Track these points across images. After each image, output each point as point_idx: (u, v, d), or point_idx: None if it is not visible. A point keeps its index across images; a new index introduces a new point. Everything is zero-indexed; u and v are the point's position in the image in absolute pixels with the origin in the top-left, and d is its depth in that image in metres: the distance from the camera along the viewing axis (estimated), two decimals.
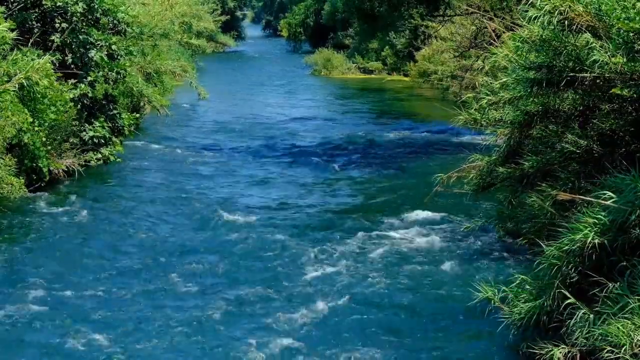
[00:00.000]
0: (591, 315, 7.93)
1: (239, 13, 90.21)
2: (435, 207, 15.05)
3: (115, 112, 20.37)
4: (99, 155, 19.46)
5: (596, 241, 8.06)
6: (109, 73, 19.32)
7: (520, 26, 10.92)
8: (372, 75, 47.40)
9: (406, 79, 43.40)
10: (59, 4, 18.29)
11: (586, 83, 9.62)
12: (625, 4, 8.72)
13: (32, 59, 15.68)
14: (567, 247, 8.28)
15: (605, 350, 7.37)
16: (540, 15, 9.04)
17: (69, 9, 18.37)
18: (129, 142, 22.28)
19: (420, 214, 14.98)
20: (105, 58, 18.99)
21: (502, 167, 11.78)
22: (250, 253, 13.07)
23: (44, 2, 18.27)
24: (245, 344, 9.54)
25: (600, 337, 7.52)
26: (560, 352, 8.03)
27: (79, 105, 18.52)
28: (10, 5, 17.94)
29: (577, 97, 10.49)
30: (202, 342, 9.67)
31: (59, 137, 17.62)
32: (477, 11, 20.17)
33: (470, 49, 23.72)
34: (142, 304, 10.89)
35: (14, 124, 14.79)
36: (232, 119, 29.68)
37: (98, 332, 9.83)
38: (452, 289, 11.40)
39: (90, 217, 15.17)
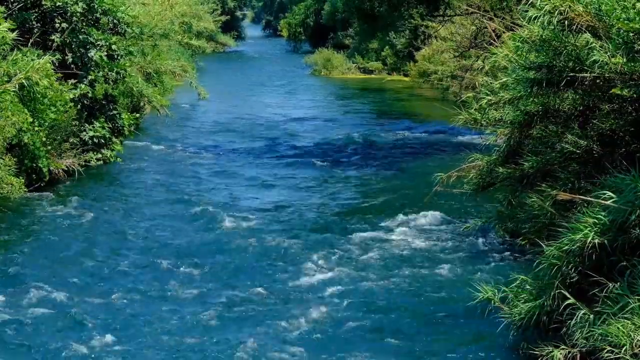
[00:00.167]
0: (591, 316, 7.93)
1: (239, 13, 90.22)
2: (435, 207, 15.04)
3: (115, 112, 20.36)
4: (99, 156, 19.46)
5: (596, 241, 8.06)
6: (109, 73, 19.31)
7: (520, 26, 10.92)
8: (372, 75, 47.40)
9: (406, 79, 43.38)
10: (58, 4, 18.29)
11: (586, 83, 9.62)
12: (625, 4, 8.72)
13: (32, 59, 15.68)
14: (567, 247, 8.28)
15: (605, 351, 7.37)
16: (540, 15, 9.04)
17: (68, 9, 18.37)
18: (129, 142, 22.27)
19: (420, 214, 14.97)
20: (105, 58, 18.98)
21: (502, 167, 11.78)
22: (249, 254, 13.06)
23: (43, 2, 18.27)
24: (245, 346, 9.52)
25: (600, 338, 7.52)
26: (561, 353, 8.03)
27: (79, 105, 18.51)
28: (10, 5, 17.93)
29: (577, 97, 10.50)
30: (201, 344, 9.66)
31: (59, 137, 17.62)
32: (477, 11, 20.16)
33: (470, 49, 23.71)
34: (141, 305, 10.88)
35: (14, 124, 14.79)
36: (232, 119, 29.68)
37: (97, 333, 9.82)
38: (452, 289, 11.39)
39: (90, 217, 15.17)
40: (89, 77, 18.86)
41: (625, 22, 8.57)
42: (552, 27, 9.23)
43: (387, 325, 10.21)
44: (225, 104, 33.88)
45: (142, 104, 25.46)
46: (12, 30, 15.16)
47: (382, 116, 31.50)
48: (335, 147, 23.84)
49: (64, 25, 18.45)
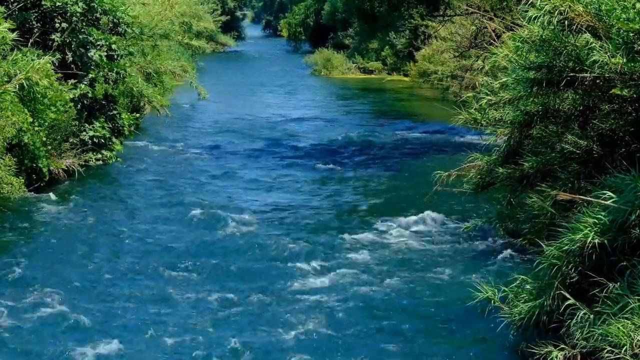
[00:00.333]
0: (591, 316, 7.93)
1: (239, 13, 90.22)
2: (435, 207, 15.04)
3: (115, 112, 20.36)
4: (99, 156, 19.46)
5: (596, 241, 8.06)
6: (109, 73, 19.31)
7: (520, 26, 10.92)
8: (372, 75, 47.40)
9: (406, 79, 43.39)
10: (58, 4, 18.29)
11: (586, 83, 9.62)
12: (625, 4, 8.72)
13: (32, 59, 15.68)
14: (567, 247, 8.28)
15: (605, 351, 7.37)
16: (540, 15, 9.05)
17: (68, 9, 18.37)
18: (129, 142, 22.27)
19: (420, 214, 14.96)
20: (105, 58, 18.98)
21: (502, 167, 11.78)
22: (249, 256, 13.04)
23: (43, 2, 18.27)
24: (244, 348, 9.52)
25: (600, 338, 7.51)
26: (560, 353, 8.03)
27: (79, 105, 18.51)
28: (10, 5, 17.94)
29: (577, 97, 10.50)
30: (200, 346, 9.65)
31: (59, 137, 17.62)
32: (477, 11, 20.16)
33: (470, 49, 23.71)
34: (140, 306, 10.87)
35: (14, 124, 14.79)
36: (232, 119, 29.68)
37: (95, 334, 9.82)
38: (452, 289, 11.39)
39: (89, 217, 15.16)
40: (89, 76, 18.85)
41: (625, 22, 8.57)
42: (552, 27, 9.23)
43: (386, 325, 10.21)
44: (225, 104, 33.88)
45: (142, 104, 25.46)
46: (12, 31, 15.16)
47: (382, 116, 31.50)
48: (335, 147, 23.84)
49: (64, 25, 18.45)
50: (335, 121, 29.74)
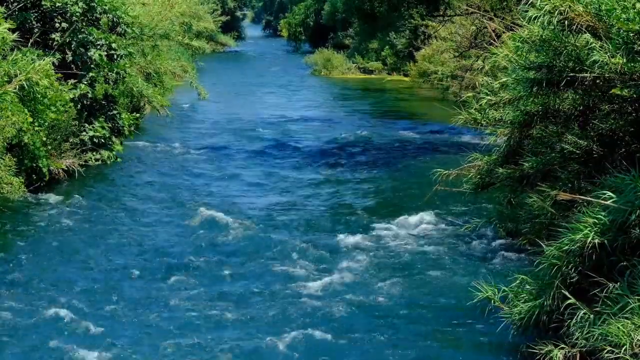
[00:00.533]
0: (591, 316, 7.93)
1: (239, 13, 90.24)
2: (435, 207, 15.05)
3: (115, 112, 20.36)
4: (99, 156, 19.46)
5: (596, 241, 8.07)
6: (109, 73, 19.32)
7: (520, 26, 10.92)
8: (372, 75, 47.40)
9: (406, 79, 43.39)
10: (58, 4, 18.30)
11: (586, 83, 9.62)
12: (625, 4, 8.72)
13: (32, 59, 15.68)
14: (567, 247, 8.29)
15: (605, 350, 7.38)
16: (540, 15, 9.04)
17: (68, 9, 18.38)
18: (129, 142, 22.27)
19: (420, 214, 14.96)
20: (105, 58, 18.97)
21: (502, 167, 11.78)
22: (249, 255, 13.05)
23: (43, 2, 18.27)
24: (243, 349, 9.53)
25: (600, 337, 7.52)
26: (560, 352, 8.04)
27: (79, 106, 18.51)
28: (10, 5, 17.94)
29: (577, 97, 10.50)
30: (199, 347, 9.65)
31: (59, 137, 17.62)
32: (477, 11, 20.17)
33: (470, 49, 23.71)
34: (140, 306, 10.87)
35: (14, 124, 14.79)
36: (231, 119, 29.68)
37: (95, 334, 9.82)
38: (452, 288, 11.39)
39: (89, 217, 15.17)
40: (89, 75, 18.85)
41: (625, 22, 8.57)
42: (552, 27, 9.22)
43: (386, 326, 10.21)
44: (225, 104, 33.89)
45: (142, 104, 25.46)
46: (13, 31, 15.15)
47: (382, 116, 31.50)
48: (335, 147, 23.84)
49: (64, 25, 18.45)
50: (335, 121, 29.74)
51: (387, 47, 46.73)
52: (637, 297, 7.60)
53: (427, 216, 14.87)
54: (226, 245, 13.59)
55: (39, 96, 15.82)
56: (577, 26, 9.02)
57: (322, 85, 44.55)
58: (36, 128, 15.95)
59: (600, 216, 8.14)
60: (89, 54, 18.81)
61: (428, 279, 11.84)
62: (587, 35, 8.99)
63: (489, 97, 11.60)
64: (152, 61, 26.53)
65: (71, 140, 18.40)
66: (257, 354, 9.37)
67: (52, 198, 16.24)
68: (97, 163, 19.38)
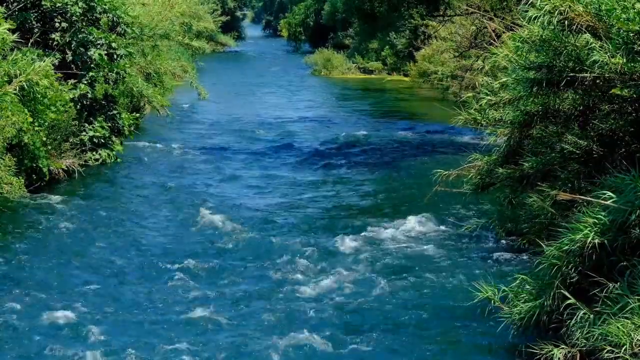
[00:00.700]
0: (591, 316, 7.93)
1: (239, 13, 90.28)
2: (435, 207, 15.04)
3: (115, 112, 20.37)
4: (99, 156, 19.47)
5: (596, 241, 8.06)
6: (109, 73, 19.32)
7: (520, 26, 10.92)
8: (372, 75, 47.41)
9: (406, 79, 43.40)
10: (58, 4, 18.30)
11: (586, 83, 9.62)
12: (625, 4, 8.72)
13: (32, 59, 15.68)
14: (567, 247, 8.29)
15: (605, 350, 7.38)
16: (540, 15, 9.04)
17: (68, 9, 18.38)
18: (129, 142, 22.26)
19: (420, 214, 14.95)
20: (105, 57, 18.97)
21: (502, 168, 11.78)
22: (248, 256, 13.04)
23: (43, 2, 18.27)
24: (244, 348, 9.54)
25: (600, 337, 7.52)
26: (560, 352, 8.04)
27: (78, 106, 18.52)
28: (10, 5, 17.95)
29: (577, 97, 10.50)
30: (199, 348, 9.66)
31: (59, 137, 17.63)
32: (477, 11, 20.17)
33: (470, 49, 23.72)
34: (139, 307, 10.87)
35: (14, 124, 14.80)
36: (231, 119, 29.68)
37: (95, 335, 9.81)
38: (452, 288, 11.39)
39: (89, 217, 15.17)
40: (89, 75, 18.85)
41: (625, 22, 8.57)
42: (552, 27, 9.22)
43: (385, 325, 10.20)
44: (225, 104, 33.89)
45: (142, 104, 25.47)
46: (13, 31, 15.15)
47: (382, 116, 31.50)
48: (335, 148, 23.84)
49: (64, 25, 18.45)
50: (335, 121, 29.74)
51: (387, 47, 46.74)
52: (637, 297, 7.60)
53: (427, 216, 14.86)
54: (226, 246, 13.58)
55: (39, 96, 15.83)
56: (577, 26, 9.01)
57: (322, 85, 44.55)
58: (36, 128, 15.96)
59: (600, 216, 8.14)
60: (88, 53, 18.81)
61: (428, 280, 11.84)
62: (587, 35, 8.99)
63: (489, 97, 11.60)
64: (152, 61, 26.53)
65: (71, 140, 18.41)
66: (256, 356, 9.36)
67: (52, 198, 16.23)
68: (97, 163, 19.38)
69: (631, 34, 8.59)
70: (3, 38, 14.65)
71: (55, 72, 16.48)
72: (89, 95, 18.88)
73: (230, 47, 70.49)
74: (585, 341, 7.80)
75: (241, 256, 13.03)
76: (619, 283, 7.91)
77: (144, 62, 25.95)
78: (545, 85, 9.86)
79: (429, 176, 13.66)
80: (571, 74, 9.43)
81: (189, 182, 18.69)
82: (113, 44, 19.11)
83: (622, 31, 8.64)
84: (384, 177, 19.59)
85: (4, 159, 15.15)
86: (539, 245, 8.78)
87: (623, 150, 10.00)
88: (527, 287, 8.96)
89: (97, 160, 19.41)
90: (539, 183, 10.93)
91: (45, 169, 16.45)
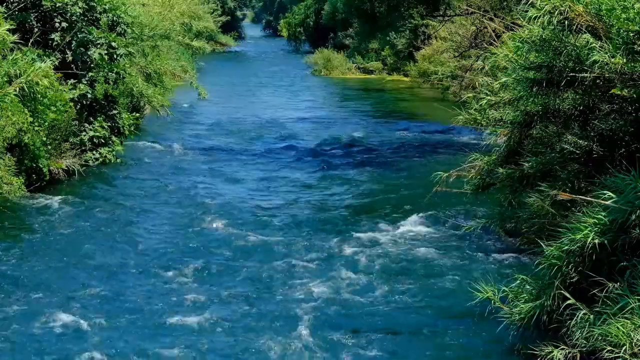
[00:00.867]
0: (591, 316, 7.93)
1: (239, 13, 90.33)
2: (435, 207, 15.04)
3: (115, 112, 20.36)
4: (99, 155, 19.47)
5: (596, 241, 8.06)
6: (109, 73, 19.32)
7: (520, 26, 10.92)
8: (372, 76, 47.41)
9: (406, 79, 43.41)
10: (58, 4, 18.30)
11: (586, 83, 9.61)
12: (625, 4, 8.72)
13: (32, 59, 15.68)
14: (567, 247, 8.29)
15: (605, 350, 7.38)
16: (540, 15, 9.04)
17: (68, 9, 18.38)
18: (129, 142, 22.26)
19: (420, 214, 14.97)
20: (105, 57, 18.97)
21: (502, 168, 11.78)
22: (248, 256, 13.03)
23: (43, 2, 18.27)
24: (244, 349, 9.53)
25: (600, 338, 7.52)
26: (560, 353, 8.04)
27: (78, 106, 18.51)
28: (10, 6, 17.95)
29: (577, 97, 10.49)
30: (201, 348, 9.66)
31: (59, 137, 17.62)
32: (477, 11, 20.18)
33: (470, 49, 23.73)
34: (138, 306, 10.87)
35: (14, 124, 14.79)
36: (231, 119, 29.68)
37: (94, 336, 9.82)
38: (452, 289, 11.39)
39: (89, 217, 15.16)
40: (89, 75, 18.85)
41: (625, 22, 8.57)
42: (552, 27, 9.22)
43: (385, 325, 10.20)
44: (225, 104, 33.88)
45: (142, 104, 25.47)
46: (13, 31, 15.15)
47: (382, 116, 31.50)
48: (335, 148, 23.84)
49: (64, 25, 18.45)
50: (335, 121, 29.74)
51: (387, 47, 46.74)
52: (637, 297, 7.60)
53: (427, 217, 14.87)
54: (225, 246, 13.57)
55: (39, 96, 15.83)
56: (577, 26, 9.01)
57: (322, 85, 44.55)
58: (36, 128, 15.96)
59: (600, 216, 8.14)
60: (89, 53, 18.80)
61: (427, 280, 11.84)
62: (587, 35, 8.99)
63: (489, 97, 11.61)
64: (152, 61, 26.53)
65: (71, 140, 18.41)
66: (255, 358, 9.35)
67: (52, 198, 16.23)
68: (97, 163, 19.38)
69: (631, 34, 8.58)
70: (3, 39, 14.64)
71: (55, 72, 16.48)
72: (89, 95, 18.87)
73: (230, 47, 70.50)
74: (585, 341, 7.80)
75: (241, 257, 13.02)
76: (619, 283, 7.91)
77: (144, 62, 25.94)
78: (545, 85, 9.86)
79: (428, 176, 13.67)
80: (571, 74, 9.43)
81: (189, 182, 18.69)
82: (113, 44, 19.11)
83: (622, 31, 8.64)
84: (384, 177, 19.59)
85: (4, 159, 15.15)
86: (539, 245, 8.78)
87: (623, 150, 10.00)
88: (527, 287, 8.96)
89: (97, 160, 19.41)
90: (539, 183, 10.93)
91: (45, 169, 16.45)
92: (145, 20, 24.82)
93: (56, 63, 17.23)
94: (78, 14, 18.48)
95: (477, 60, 22.92)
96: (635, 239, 8.06)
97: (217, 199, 16.96)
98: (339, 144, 24.41)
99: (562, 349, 8.05)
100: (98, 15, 19.11)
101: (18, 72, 14.82)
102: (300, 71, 51.00)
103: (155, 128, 26.60)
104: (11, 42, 15.18)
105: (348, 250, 13.24)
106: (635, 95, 9.25)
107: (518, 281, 9.10)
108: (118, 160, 19.98)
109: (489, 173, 12.25)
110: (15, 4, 18.02)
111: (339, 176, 19.76)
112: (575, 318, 8.06)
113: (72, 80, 18.30)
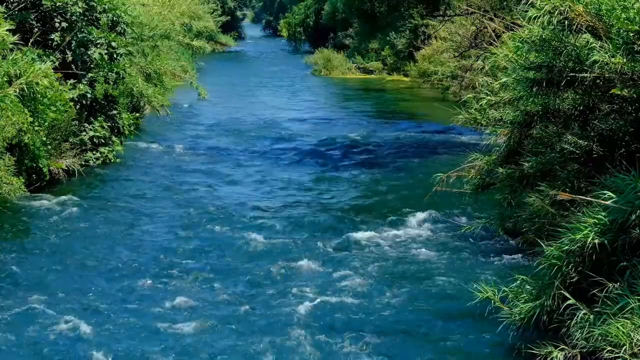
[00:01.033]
0: (591, 316, 7.93)
1: (239, 13, 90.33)
2: (435, 207, 15.04)
3: (115, 112, 20.37)
4: (99, 155, 19.47)
5: (596, 241, 8.06)
6: (109, 73, 19.32)
7: (520, 26, 10.92)
8: (372, 76, 47.41)
9: (406, 79, 43.40)
10: (58, 4, 18.30)
11: (586, 83, 9.61)
12: (625, 4, 8.72)
13: (32, 59, 15.68)
14: (567, 247, 8.29)
15: (605, 350, 7.37)
16: (540, 15, 9.04)
17: (68, 9, 18.38)
18: (129, 142, 22.27)
19: (420, 214, 14.96)
20: (105, 57, 18.97)
21: (502, 167, 11.78)
22: (248, 256, 13.03)
23: (43, 2, 18.28)
24: (243, 349, 9.53)
25: (600, 338, 7.52)
26: (560, 353, 8.03)
27: (78, 105, 18.52)
28: (10, 5, 17.95)
29: (577, 97, 10.49)
30: (201, 348, 9.66)
31: (59, 137, 17.63)
32: (477, 11, 20.17)
33: (470, 49, 23.72)
34: (139, 308, 10.87)
35: (14, 124, 14.79)
36: (231, 119, 29.68)
37: (94, 336, 9.81)
38: (452, 289, 11.39)
39: (89, 217, 15.16)
40: (89, 75, 18.85)
41: (625, 22, 8.57)
42: (552, 27, 9.22)
43: (385, 326, 10.20)
44: (225, 104, 33.88)
45: (142, 104, 25.47)
46: (13, 32, 15.14)
47: (382, 116, 31.50)
48: (335, 147, 23.84)
49: (64, 25, 18.45)
50: (335, 121, 29.74)
51: (387, 47, 46.74)
52: (637, 297, 7.60)
53: (427, 217, 14.87)
54: (225, 246, 13.57)
55: (39, 96, 15.83)
56: (577, 26, 9.01)
57: (322, 85, 44.54)
58: (36, 128, 15.96)
59: (600, 216, 8.14)
60: (88, 53, 18.80)
61: (428, 280, 11.83)
62: (587, 35, 8.99)
63: (489, 97, 11.61)
64: (152, 61, 26.53)
65: (71, 140, 18.41)
66: (255, 357, 9.35)
67: (52, 198, 16.24)
68: (97, 163, 19.39)
69: (631, 34, 8.58)
70: (3, 39, 14.64)
71: (55, 72, 16.47)
72: (89, 95, 18.88)
73: (230, 47, 70.50)
74: (585, 341, 7.80)
75: (240, 258, 13.02)
76: (619, 283, 7.91)
77: (144, 62, 25.94)
78: (545, 85, 9.86)
79: (428, 176, 13.68)
80: (571, 74, 9.43)
81: (189, 183, 18.69)
82: (113, 44, 19.11)
83: (622, 31, 8.63)
84: (384, 178, 19.58)
85: (4, 159, 15.15)
86: (539, 245, 8.78)
87: (623, 150, 10.00)
88: (527, 287, 8.96)
89: (97, 160, 19.42)
90: (539, 183, 10.93)
91: (45, 169, 16.45)
92: (145, 20, 24.82)
93: (56, 64, 17.22)
94: (78, 13, 18.49)
95: (477, 60, 22.91)
96: (635, 239, 8.06)
97: (216, 200, 16.96)
98: (339, 144, 24.40)
99: (562, 349, 8.05)
100: (98, 15, 19.11)
101: (18, 72, 14.82)
102: (300, 71, 51.00)
103: (155, 128, 26.60)
104: (11, 42, 15.17)
105: (347, 250, 13.24)
106: (635, 95, 9.25)
107: (518, 281, 9.10)
108: (118, 160, 19.99)
109: (489, 173, 12.25)
110: (15, 4, 18.03)
111: (338, 176, 19.76)
112: (575, 318, 8.06)
113: (72, 80, 18.30)
